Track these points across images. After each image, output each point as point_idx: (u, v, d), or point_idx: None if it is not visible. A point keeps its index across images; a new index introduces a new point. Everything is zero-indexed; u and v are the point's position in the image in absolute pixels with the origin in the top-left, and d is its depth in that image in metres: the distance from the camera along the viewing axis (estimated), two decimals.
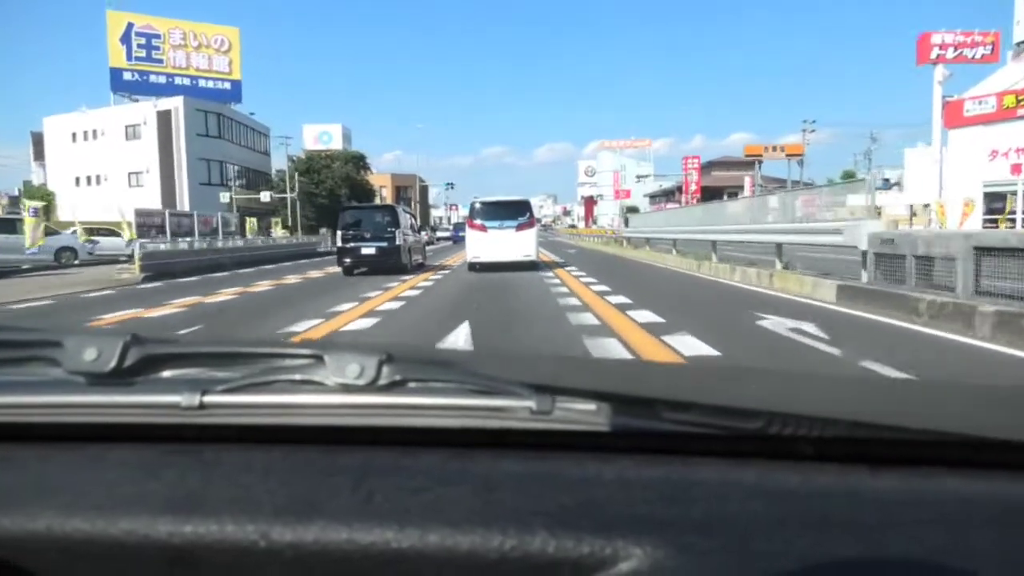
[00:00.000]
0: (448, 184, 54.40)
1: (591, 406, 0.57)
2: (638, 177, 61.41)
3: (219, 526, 0.50)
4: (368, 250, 15.40)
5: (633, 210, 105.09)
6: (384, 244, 15.41)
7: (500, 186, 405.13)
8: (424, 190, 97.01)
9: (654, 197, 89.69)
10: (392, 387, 0.58)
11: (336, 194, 49.92)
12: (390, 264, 15.31)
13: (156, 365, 0.62)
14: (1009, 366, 4.94)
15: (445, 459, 0.57)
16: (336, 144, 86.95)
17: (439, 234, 61.90)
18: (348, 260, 15.59)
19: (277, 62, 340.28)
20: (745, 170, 77.46)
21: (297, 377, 0.60)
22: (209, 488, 0.55)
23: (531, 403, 0.57)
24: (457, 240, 50.17)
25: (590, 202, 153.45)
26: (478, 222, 15.59)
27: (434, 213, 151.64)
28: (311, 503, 0.52)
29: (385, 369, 0.59)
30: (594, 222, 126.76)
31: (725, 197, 73.14)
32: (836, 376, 0.94)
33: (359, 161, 55.21)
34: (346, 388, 0.58)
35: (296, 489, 0.54)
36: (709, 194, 70.86)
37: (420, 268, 17.14)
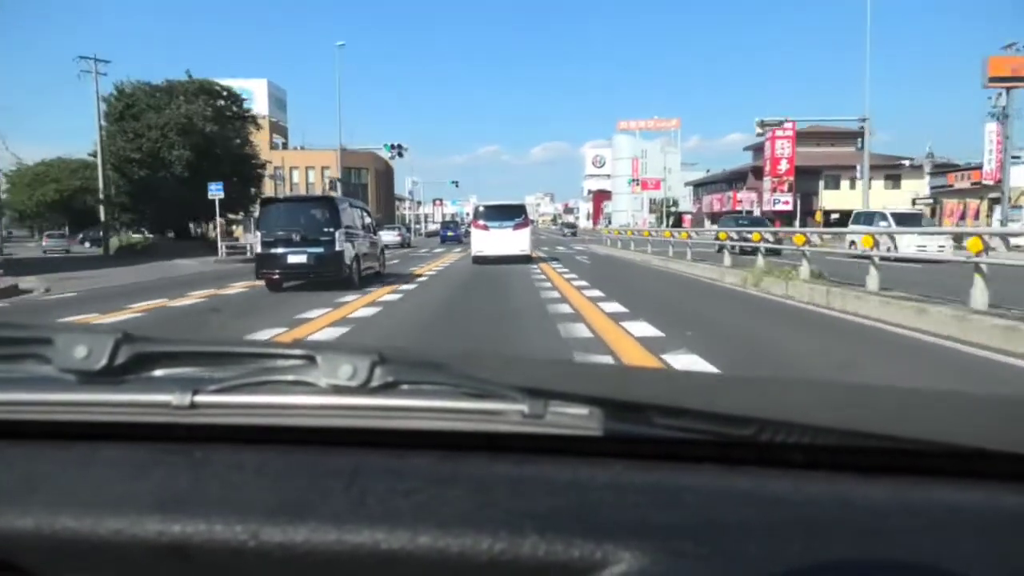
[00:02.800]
0: (393, 146, 29.56)
1: (583, 410, 0.57)
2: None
3: (208, 526, 0.50)
4: (297, 258, 11.34)
5: (673, 204, 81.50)
6: (319, 250, 11.35)
7: (496, 185, 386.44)
8: (387, 175, 72.57)
9: (702, 186, 65.66)
10: (384, 389, 0.58)
11: (163, 160, 25.76)
12: (328, 276, 11.47)
13: (147, 364, 0.62)
14: None
15: (437, 461, 0.57)
16: (260, 109, 63.04)
17: (403, 235, 39.51)
18: (271, 272, 11.56)
19: (261, 63, 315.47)
20: (843, 144, 53.71)
21: (289, 378, 0.60)
22: (199, 488, 0.55)
23: (523, 407, 0.57)
24: (446, 240, 39.27)
25: (600, 197, 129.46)
26: (481, 222, 18.16)
27: (424, 210, 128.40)
28: (302, 504, 0.52)
29: (377, 371, 0.58)
30: (607, 221, 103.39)
31: (822, 183, 49.22)
32: (829, 384, 0.92)
33: (227, 100, 30.57)
34: (338, 389, 0.58)
35: (287, 490, 0.54)
36: (800, 176, 47.37)
37: (375, 280, 12.91)
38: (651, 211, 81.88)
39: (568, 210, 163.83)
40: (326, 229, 11.51)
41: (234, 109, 30.62)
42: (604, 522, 0.50)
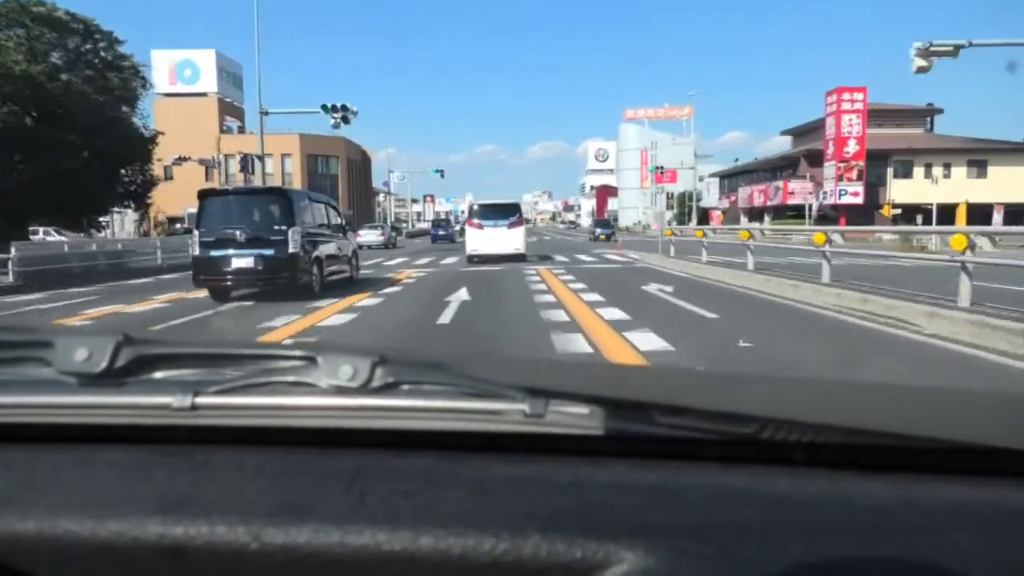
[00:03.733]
0: (334, 108, 20.39)
1: (584, 410, 0.57)
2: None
3: (210, 528, 0.50)
4: (242, 262, 9.33)
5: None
6: (269, 252, 9.35)
7: (493, 183, 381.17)
8: (363, 166, 62.89)
9: (731, 177, 56.25)
10: (385, 389, 0.58)
11: None
12: (281, 282, 9.47)
13: (148, 366, 0.62)
14: None
15: (438, 462, 0.57)
16: (207, 85, 53.51)
17: (374, 237, 32.13)
18: (212, 278, 9.52)
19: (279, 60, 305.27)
20: (912, 124, 44.36)
21: (290, 379, 0.60)
22: (200, 489, 0.55)
23: (524, 406, 0.57)
24: (437, 239, 36.97)
25: (604, 193, 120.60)
26: (476, 221, 17.70)
27: (415, 208, 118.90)
28: (303, 505, 0.52)
29: (378, 371, 0.58)
30: (613, 220, 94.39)
31: (891, 168, 40.15)
32: (829, 381, 0.93)
33: (86, 39, 20.62)
34: (339, 390, 0.58)
35: (288, 491, 0.54)
36: (870, 160, 38.07)
37: (343, 288, 10.73)
38: (668, 206, 72.58)
39: (568, 207, 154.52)
40: (278, 227, 9.45)
41: (102, 55, 20.97)
42: (606, 522, 0.50)
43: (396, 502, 0.52)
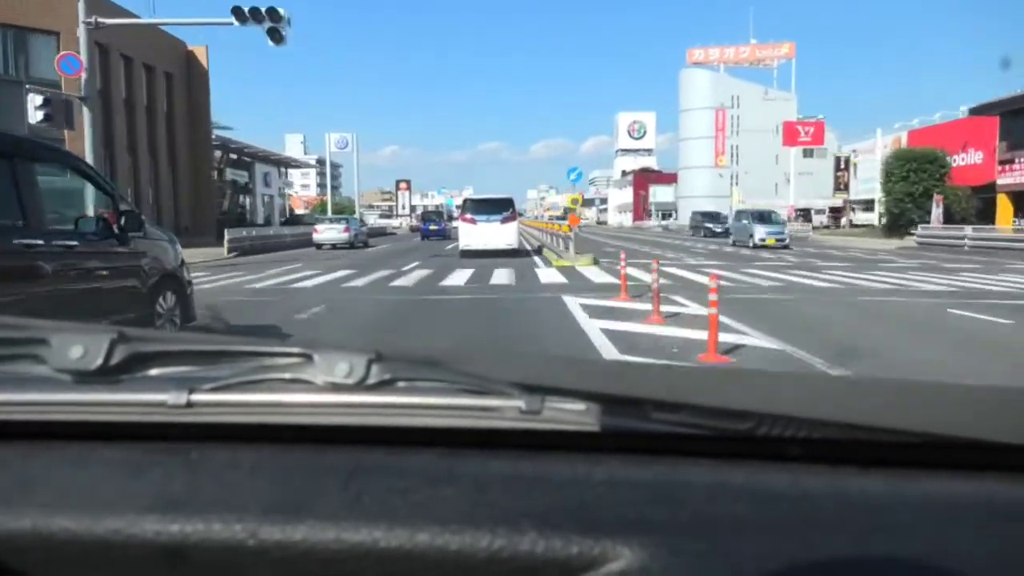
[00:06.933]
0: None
1: (581, 406, 0.57)
2: None
3: (206, 525, 0.50)
4: None
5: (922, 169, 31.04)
6: None
7: (495, 181, 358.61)
8: (186, 82, 29.02)
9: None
10: (381, 386, 0.58)
11: None
12: None
13: (143, 363, 0.61)
14: None
15: (434, 459, 0.58)
16: None
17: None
18: None
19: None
20: None
21: (286, 376, 0.60)
22: (196, 487, 0.55)
23: (521, 403, 0.57)
24: (428, 235, 35.67)
25: (643, 179, 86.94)
26: (469, 216, 18.84)
27: (404, 201, 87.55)
28: (299, 503, 0.52)
29: (374, 368, 0.58)
30: (664, 216, 62.41)
31: None
32: (825, 377, 0.95)
33: None
34: (335, 387, 0.58)
35: (284, 488, 0.54)
36: None
37: None
38: (838, 185, 39.97)
39: (587, 202, 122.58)
40: None
41: None
42: (602, 518, 0.50)
43: (392, 499, 0.52)
